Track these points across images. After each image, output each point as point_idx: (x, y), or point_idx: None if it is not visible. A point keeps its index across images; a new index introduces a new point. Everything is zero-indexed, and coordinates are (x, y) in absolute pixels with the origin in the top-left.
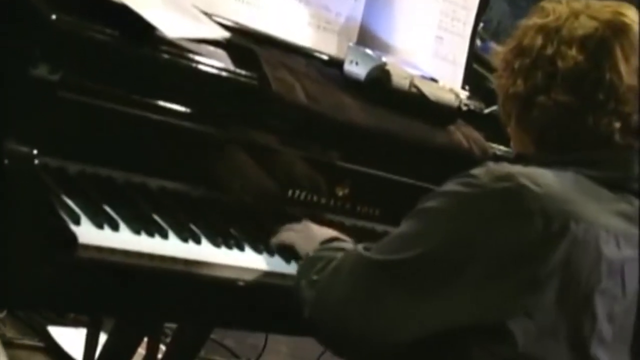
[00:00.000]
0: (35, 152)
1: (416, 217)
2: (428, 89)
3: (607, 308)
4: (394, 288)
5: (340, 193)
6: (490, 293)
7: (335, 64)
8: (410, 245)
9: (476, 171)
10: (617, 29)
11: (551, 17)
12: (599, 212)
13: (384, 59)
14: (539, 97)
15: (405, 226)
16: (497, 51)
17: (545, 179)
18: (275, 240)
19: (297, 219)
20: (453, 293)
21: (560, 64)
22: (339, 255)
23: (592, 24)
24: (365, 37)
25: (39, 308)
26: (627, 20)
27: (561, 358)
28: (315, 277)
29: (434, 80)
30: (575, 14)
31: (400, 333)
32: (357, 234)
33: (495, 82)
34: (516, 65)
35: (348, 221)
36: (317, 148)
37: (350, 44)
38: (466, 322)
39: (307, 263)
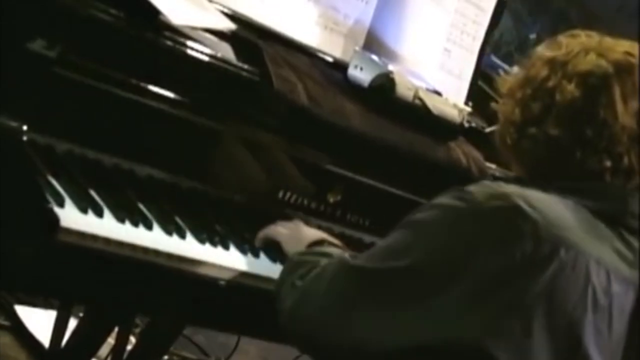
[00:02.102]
0: (24, 128)
1: (406, 228)
2: (432, 102)
3: (594, 340)
4: (374, 297)
5: (332, 199)
6: (472, 313)
7: (340, 66)
8: (396, 256)
9: (471, 187)
10: (621, 68)
11: (562, 51)
12: (593, 244)
13: (389, 67)
14: (530, 128)
15: (393, 237)
16: (505, 79)
17: (541, 202)
18: (261, 234)
19: (287, 219)
20: (433, 309)
21: (558, 97)
22: (324, 261)
23: (598, 62)
24: (372, 43)
25: (11, 288)
26: (635, 60)
27: None
28: (297, 283)
29: (438, 93)
30: (586, 50)
31: (373, 345)
32: (345, 243)
33: (498, 108)
34: (519, 94)
35: (337, 229)
36: (313, 151)
37: (357, 48)
38: (443, 342)
39: (290, 268)
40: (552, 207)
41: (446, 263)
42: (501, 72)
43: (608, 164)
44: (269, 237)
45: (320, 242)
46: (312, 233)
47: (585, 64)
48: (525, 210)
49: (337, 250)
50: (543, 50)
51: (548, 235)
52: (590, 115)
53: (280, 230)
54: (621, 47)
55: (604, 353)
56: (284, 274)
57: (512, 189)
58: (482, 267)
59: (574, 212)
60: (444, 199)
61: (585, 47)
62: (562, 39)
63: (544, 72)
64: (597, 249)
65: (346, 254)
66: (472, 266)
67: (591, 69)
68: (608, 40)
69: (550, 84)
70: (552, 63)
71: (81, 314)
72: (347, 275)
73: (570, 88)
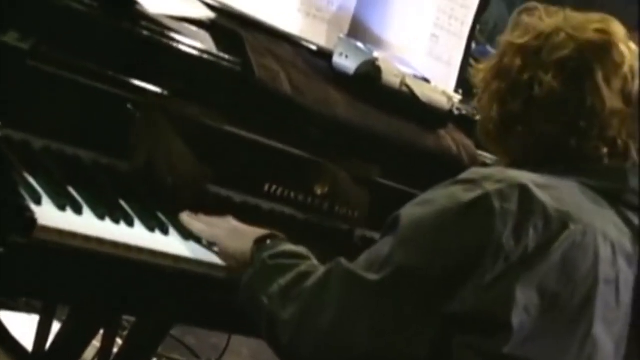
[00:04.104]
0: None
1: (412, 227)
2: (419, 89)
3: (602, 313)
4: (402, 306)
5: (319, 191)
6: (492, 290)
7: (324, 55)
8: (410, 254)
9: (472, 175)
10: (598, 50)
11: (531, 35)
12: (598, 219)
13: (375, 54)
14: (516, 126)
15: (400, 234)
16: (478, 69)
17: (546, 181)
18: (192, 228)
19: (274, 215)
20: (459, 297)
21: (536, 90)
22: (304, 265)
23: (572, 45)
24: (357, 29)
25: None
26: (609, 38)
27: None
28: (290, 292)
29: (426, 80)
30: (556, 31)
31: (417, 351)
32: (335, 237)
33: (476, 101)
34: (494, 87)
35: (325, 222)
36: (298, 142)
37: (341, 35)
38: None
39: (264, 274)
40: (557, 186)
41: (466, 251)
42: None
43: (605, 150)
44: (202, 235)
45: (267, 237)
46: (253, 229)
47: (559, 49)
48: (532, 190)
49: (303, 250)
50: (511, 36)
51: (556, 212)
52: (578, 104)
53: (217, 231)
54: (591, 23)
55: (611, 327)
56: (258, 279)
57: (515, 173)
58: (497, 249)
59: (576, 189)
60: (446, 190)
61: (554, 28)
62: (528, 20)
63: (517, 62)
64: (602, 224)
65: (342, 260)
66: (489, 248)
67: (566, 54)
68: (574, 16)
69: (526, 76)
70: (524, 51)
71: (64, 318)
72: (357, 289)
73: (548, 79)
